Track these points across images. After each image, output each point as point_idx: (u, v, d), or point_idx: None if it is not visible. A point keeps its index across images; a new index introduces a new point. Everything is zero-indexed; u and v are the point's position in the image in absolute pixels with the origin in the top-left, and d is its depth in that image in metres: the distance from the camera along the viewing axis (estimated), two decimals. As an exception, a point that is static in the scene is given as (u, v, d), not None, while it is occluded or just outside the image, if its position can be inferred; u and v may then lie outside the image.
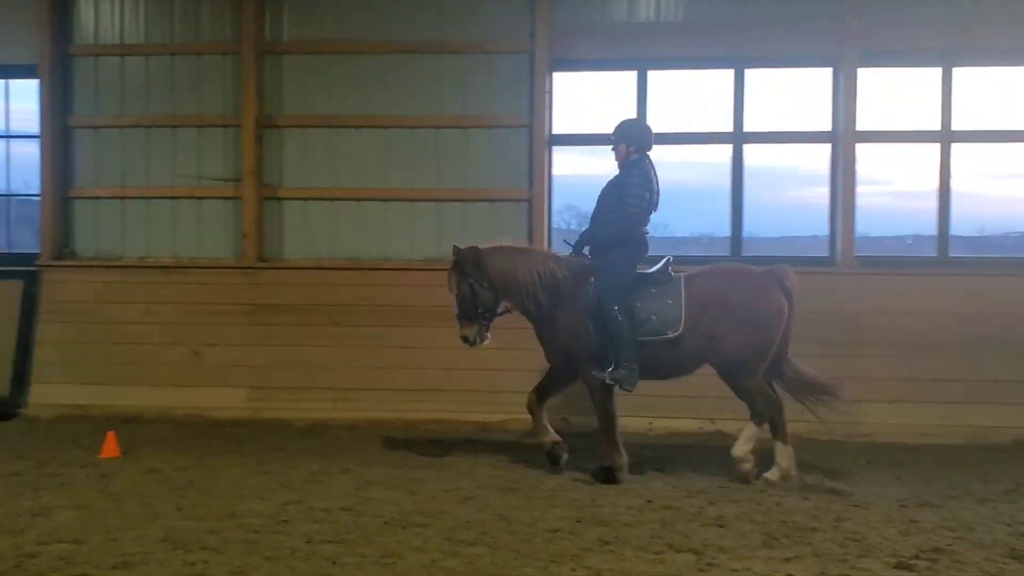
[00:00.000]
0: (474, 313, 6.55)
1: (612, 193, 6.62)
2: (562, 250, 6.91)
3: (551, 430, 6.77)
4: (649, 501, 5.86)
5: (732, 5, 8.63)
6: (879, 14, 8.46)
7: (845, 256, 8.55)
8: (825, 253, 8.79)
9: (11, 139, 9.69)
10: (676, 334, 6.33)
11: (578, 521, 5.39)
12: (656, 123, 8.72)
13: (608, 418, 6.45)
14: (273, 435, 7.94)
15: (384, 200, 9.03)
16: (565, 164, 9.08)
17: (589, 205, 9.39)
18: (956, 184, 8.68)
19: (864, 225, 8.73)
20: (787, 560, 4.74)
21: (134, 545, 4.87)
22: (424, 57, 8.91)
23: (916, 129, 8.69)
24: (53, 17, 9.15)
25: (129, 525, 5.23)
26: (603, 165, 8.98)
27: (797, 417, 8.06)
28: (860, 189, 8.62)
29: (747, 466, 6.38)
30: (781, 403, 6.54)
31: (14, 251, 9.71)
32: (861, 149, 8.62)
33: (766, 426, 6.46)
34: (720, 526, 5.33)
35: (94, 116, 9.30)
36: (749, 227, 8.89)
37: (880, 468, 6.99)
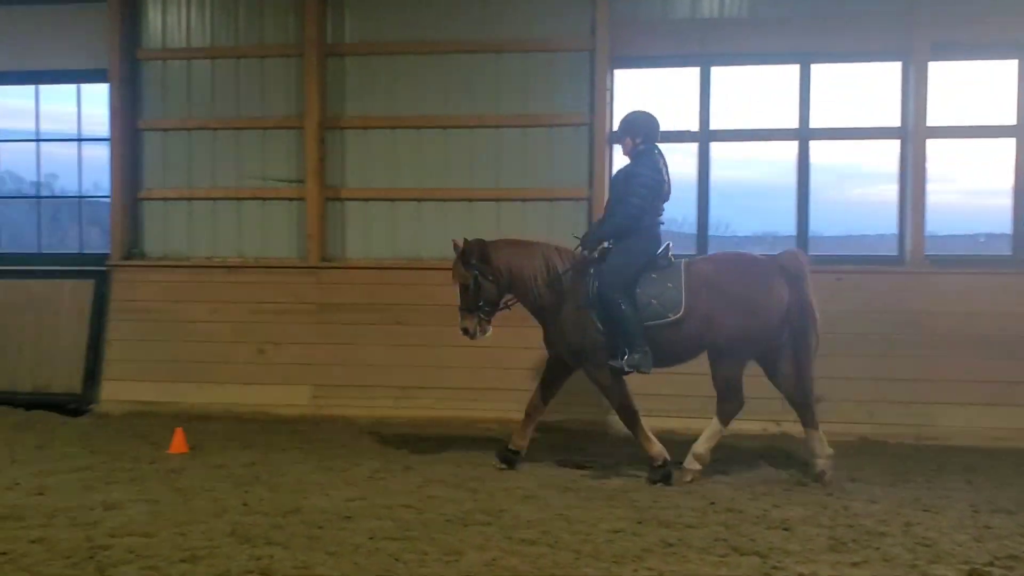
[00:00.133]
0: (475, 305, 6.58)
1: (621, 184, 6.59)
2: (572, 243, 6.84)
3: (527, 438, 6.77)
4: (712, 503, 5.79)
5: (798, -1, 8.50)
6: (950, 6, 8.23)
7: (915, 255, 8.34)
8: (894, 252, 8.59)
9: (82, 142, 9.94)
10: (677, 316, 6.30)
11: (640, 522, 5.34)
12: (719, 120, 8.72)
13: (630, 413, 6.46)
14: (336, 432, 8.03)
15: (443, 200, 9.07)
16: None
17: (649, 203, 9.41)
18: (1031, 180, 8.42)
19: (934, 223, 8.50)
20: (855, 565, 4.63)
21: (202, 539, 4.96)
22: (484, 56, 8.93)
23: (989, 124, 8.43)
24: (122, 23, 9.37)
25: (197, 519, 5.32)
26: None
27: (864, 419, 7.97)
28: (930, 186, 8.40)
29: (697, 466, 6.33)
30: (808, 390, 6.43)
31: (85, 251, 9.96)
32: (932, 145, 8.39)
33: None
34: (785, 529, 5.23)
35: (162, 119, 9.51)
36: (815, 226, 8.73)
37: (951, 472, 6.80)
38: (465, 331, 6.64)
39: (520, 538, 5.00)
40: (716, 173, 8.80)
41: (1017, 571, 4.54)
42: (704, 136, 8.75)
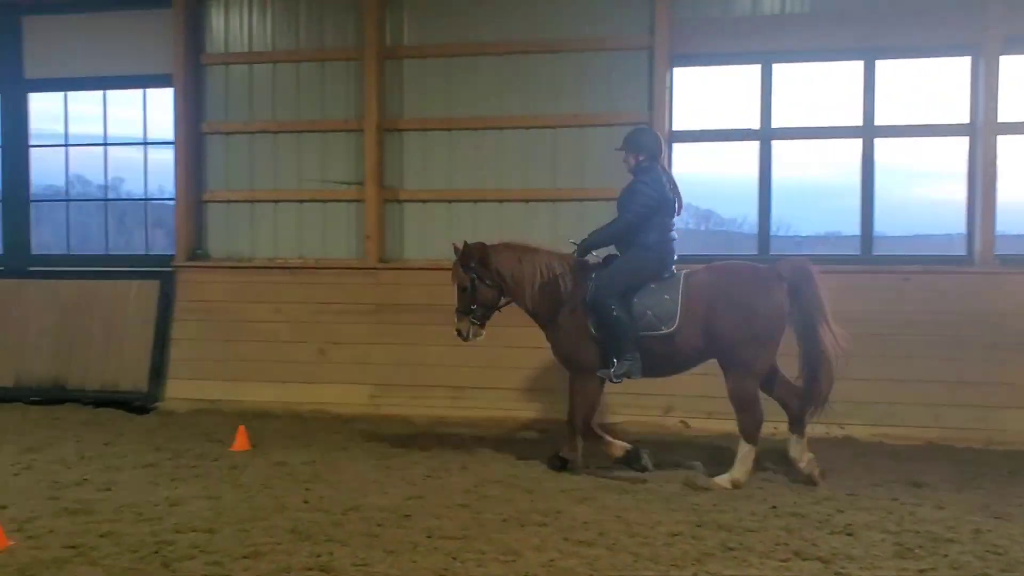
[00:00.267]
0: (469, 308, 6.69)
1: (624, 198, 6.59)
2: (570, 249, 6.82)
3: (614, 440, 6.70)
4: (774, 507, 5.69)
5: (862, -7, 8.33)
6: (1024, -3, 8.00)
7: (984, 255, 8.10)
8: (962, 252, 8.35)
9: (148, 146, 10.17)
10: (670, 330, 6.29)
11: (699, 525, 5.28)
12: (781, 118, 8.58)
13: (583, 411, 6.51)
14: (394, 431, 8.09)
15: (500, 201, 9.08)
16: (685, 162, 8.91)
17: (709, 203, 9.33)
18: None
19: (1005, 222, 8.24)
20: (921, 572, 4.52)
21: (263, 535, 5.03)
22: (541, 56, 8.92)
23: (1065, 119, 8.18)
24: (186, 29, 9.57)
25: (258, 516, 5.41)
26: (724, 162, 8.84)
27: (930, 423, 7.77)
28: (1001, 184, 8.15)
29: (726, 483, 6.16)
30: (798, 392, 6.34)
31: (151, 253, 10.19)
32: (1002, 142, 8.14)
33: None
34: (849, 534, 5.12)
35: (224, 123, 9.69)
36: (880, 225, 8.53)
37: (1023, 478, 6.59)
38: (458, 332, 6.76)
39: (578, 539, 4.98)
40: (777, 172, 8.65)
41: (1094, 582, 4.39)
42: (765, 134, 8.62)
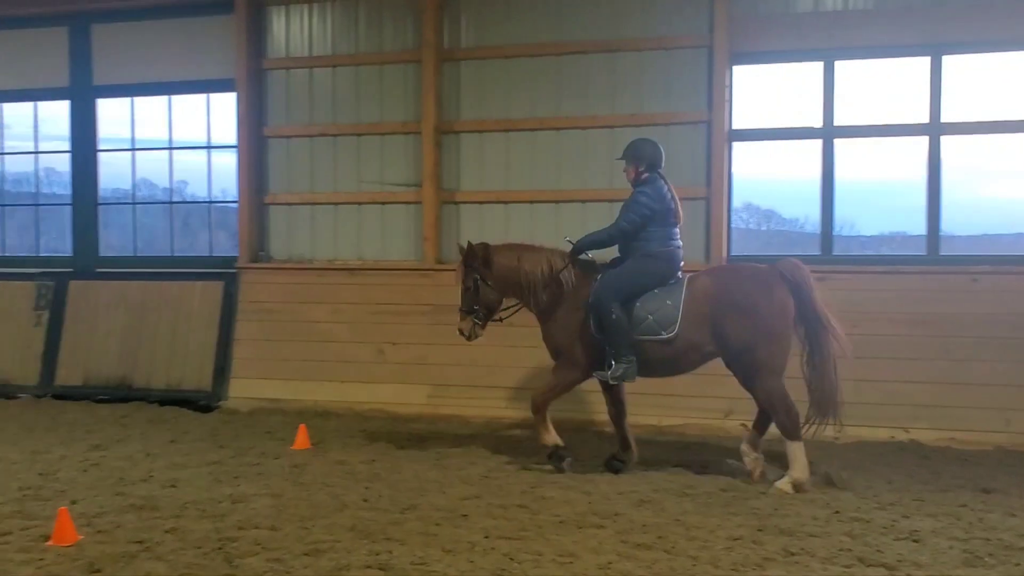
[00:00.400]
0: (472, 308, 6.78)
1: (625, 207, 6.61)
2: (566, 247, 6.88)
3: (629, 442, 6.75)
4: (836, 512, 5.58)
5: (928, -12, 8.13)
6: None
7: (1056, 254, 7.86)
8: (1033, 251, 8.12)
9: (211, 150, 10.38)
10: (670, 335, 6.32)
11: (760, 530, 5.20)
12: (844, 116, 8.41)
13: (543, 402, 6.63)
14: (451, 431, 8.12)
15: (556, 202, 9.07)
16: (746, 161, 8.80)
17: (769, 203, 9.20)
18: None
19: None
20: (993, 581, 4.40)
21: (324, 533, 5.09)
22: (598, 56, 8.89)
23: None
24: (248, 34, 9.74)
25: (319, 514, 5.47)
26: (786, 161, 8.70)
27: (1000, 428, 7.54)
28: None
29: (804, 487, 6.07)
30: (797, 413, 6.24)
31: (215, 255, 10.40)
32: (1076, 138, 7.89)
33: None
34: (915, 541, 5.00)
35: (285, 126, 9.84)
36: (947, 225, 8.32)
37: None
38: (460, 332, 6.85)
39: (635, 542, 4.94)
40: (840, 171, 8.49)
41: None
42: (828, 132, 8.46)
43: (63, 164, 10.93)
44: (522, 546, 4.86)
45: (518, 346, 8.69)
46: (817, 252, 8.51)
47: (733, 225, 8.86)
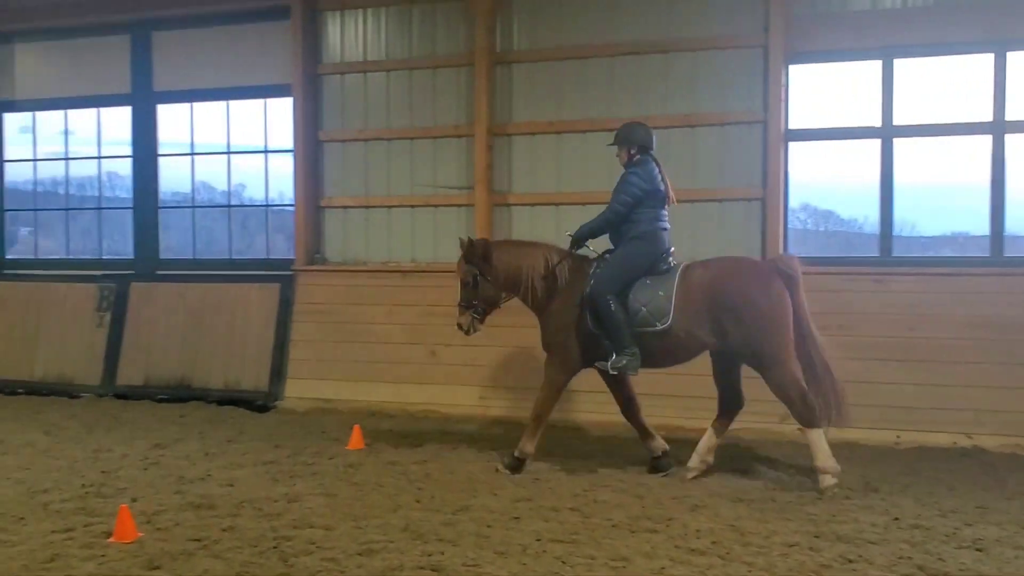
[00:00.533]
0: (471, 303, 6.86)
1: (615, 189, 6.70)
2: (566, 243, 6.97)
3: (656, 436, 6.86)
4: (896, 519, 5.47)
5: (991, -17, 7.92)
6: None
7: None
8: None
9: (268, 154, 10.54)
10: (664, 326, 6.35)
11: (816, 536, 5.12)
12: (904, 115, 8.24)
13: (543, 409, 6.71)
14: (502, 432, 8.13)
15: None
16: (803, 161, 8.65)
17: (828, 203, 9.05)
18: None
19: None
20: (1061, 593, 4.26)
21: (377, 533, 5.13)
22: (651, 57, 8.83)
23: None
24: (304, 40, 9.87)
25: (372, 514, 5.52)
26: (844, 161, 8.54)
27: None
28: None
29: (830, 479, 6.08)
30: (813, 402, 6.22)
31: (272, 257, 10.56)
32: None
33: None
34: (978, 550, 4.88)
35: (341, 131, 9.95)
36: (1011, 225, 8.09)
37: None
38: (459, 326, 6.94)
39: (689, 548, 4.90)
40: (900, 171, 8.31)
41: None
42: (887, 132, 8.29)
43: (125, 169, 11.19)
44: (574, 550, 4.85)
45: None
46: (876, 253, 8.35)
47: (790, 226, 8.72)
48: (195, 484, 6.31)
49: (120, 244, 11.41)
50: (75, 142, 11.41)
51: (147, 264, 10.84)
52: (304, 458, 7.15)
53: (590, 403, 8.49)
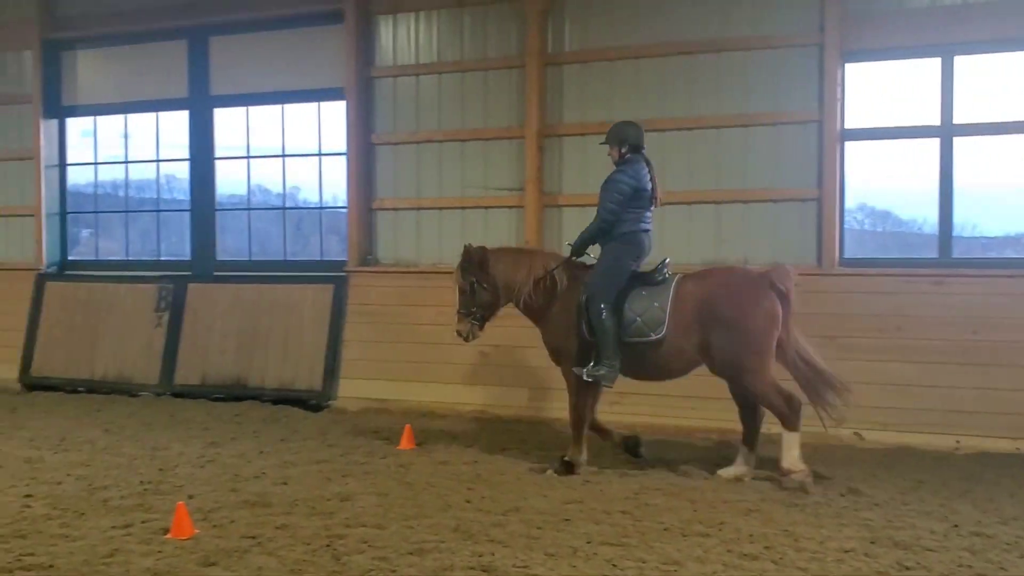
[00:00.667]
0: (470, 310, 6.94)
1: (603, 190, 6.75)
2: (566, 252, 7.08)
3: (613, 432, 7.07)
4: (955, 526, 5.34)
5: (1057, -23, 7.70)
6: None
7: None
8: None
9: (322, 157, 10.66)
10: (658, 337, 6.43)
11: (872, 542, 5.02)
12: (964, 113, 8.05)
13: (579, 414, 6.73)
14: (552, 434, 8.12)
15: (662, 204, 8.93)
16: (860, 161, 8.49)
17: (886, 204, 8.88)
18: None
19: None
20: None
21: (428, 533, 5.16)
22: (703, 57, 8.75)
23: None
24: (357, 44, 9.96)
25: (423, 514, 5.55)
26: (902, 160, 8.38)
27: None
28: None
29: (800, 476, 6.20)
30: (798, 402, 6.39)
31: (325, 258, 10.68)
32: None
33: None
34: (1043, 559, 4.75)
35: (393, 133, 10.03)
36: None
37: None
38: (458, 333, 7.03)
39: (742, 552, 4.84)
40: (960, 170, 8.12)
41: None
42: (946, 131, 8.11)
43: (183, 172, 11.41)
44: (625, 553, 4.82)
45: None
46: (935, 255, 8.18)
47: (847, 227, 8.58)
48: (250, 482, 6.40)
49: (178, 246, 11.63)
50: (134, 146, 11.65)
51: (204, 265, 11.03)
52: (356, 457, 7.22)
53: (641, 405, 8.45)
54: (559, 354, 6.90)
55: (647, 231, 6.74)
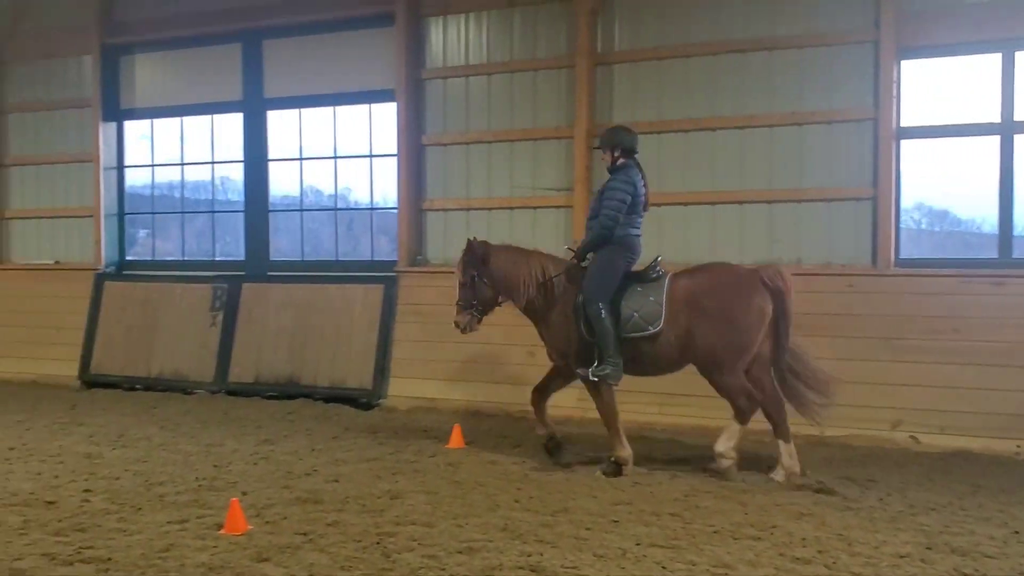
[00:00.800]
0: (470, 303, 7.06)
1: (600, 198, 6.83)
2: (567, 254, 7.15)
3: (549, 424, 7.16)
4: (1015, 532, 5.22)
5: (1122, -32, 7.47)
6: None
7: None
8: None
9: (373, 158, 10.75)
10: (656, 330, 6.54)
11: (929, 548, 4.92)
12: (1024, 110, 7.86)
13: (610, 413, 6.74)
14: (601, 435, 8.05)
15: (712, 204, 8.89)
16: (917, 159, 8.32)
17: (944, 203, 8.70)
18: None
19: None
20: None
21: (477, 532, 5.18)
22: (755, 55, 8.65)
23: None
24: (408, 46, 10.03)
25: (472, 513, 5.57)
26: (961, 158, 8.21)
27: None
28: None
29: (727, 463, 6.46)
30: (781, 400, 6.56)
31: (376, 259, 10.77)
32: None
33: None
34: (1108, 569, 4.61)
35: (442, 134, 10.08)
36: None
37: None
38: (456, 325, 7.16)
39: (794, 556, 4.78)
40: (1021, 168, 7.92)
41: None
42: (1007, 128, 7.92)
43: (237, 173, 11.59)
44: (675, 555, 4.79)
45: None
46: (995, 255, 7.99)
47: (903, 226, 8.42)
48: (302, 479, 6.48)
49: (232, 246, 11.82)
50: (190, 148, 11.87)
51: (258, 265, 11.19)
52: (406, 456, 7.27)
53: (689, 407, 8.38)
54: (566, 355, 6.95)
55: (638, 236, 6.85)
